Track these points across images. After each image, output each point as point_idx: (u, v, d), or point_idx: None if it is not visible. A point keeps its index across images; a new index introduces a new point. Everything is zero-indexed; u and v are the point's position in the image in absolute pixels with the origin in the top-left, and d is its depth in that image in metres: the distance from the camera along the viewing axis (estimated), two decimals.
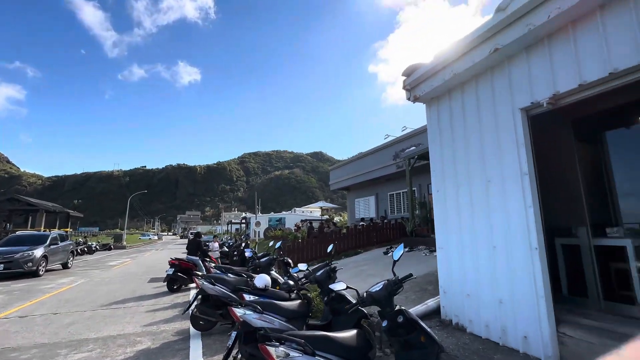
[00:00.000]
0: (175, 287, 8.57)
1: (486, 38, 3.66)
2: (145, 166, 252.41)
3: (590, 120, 4.07)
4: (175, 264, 8.60)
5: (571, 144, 4.06)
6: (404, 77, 4.90)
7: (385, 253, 9.88)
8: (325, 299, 3.87)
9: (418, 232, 10.70)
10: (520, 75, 3.59)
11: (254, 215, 30.10)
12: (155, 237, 63.22)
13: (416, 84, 4.78)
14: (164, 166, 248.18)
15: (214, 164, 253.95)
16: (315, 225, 19.44)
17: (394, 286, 2.70)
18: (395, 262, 2.86)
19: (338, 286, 3.26)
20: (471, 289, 3.95)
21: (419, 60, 4.71)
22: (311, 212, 45.79)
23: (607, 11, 2.87)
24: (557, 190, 4.16)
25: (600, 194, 4.07)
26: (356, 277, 7.70)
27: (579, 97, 3.19)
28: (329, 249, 4.44)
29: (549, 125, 4.28)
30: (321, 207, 25.93)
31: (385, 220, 13.62)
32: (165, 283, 8.63)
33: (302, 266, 4.64)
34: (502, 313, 3.56)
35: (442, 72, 4.32)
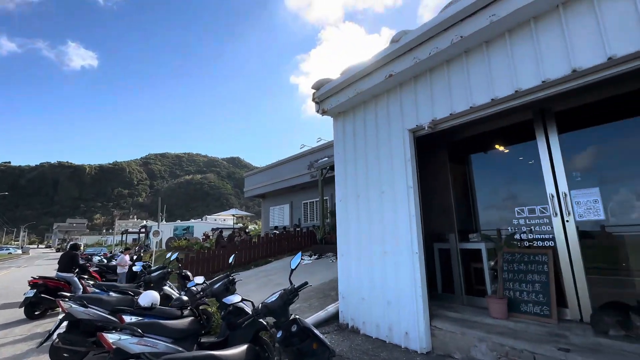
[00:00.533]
0: (37, 312, 6.94)
1: (384, 64, 4.08)
2: (9, 162, 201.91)
3: (461, 145, 4.90)
4: (38, 283, 6.98)
5: (446, 164, 4.81)
6: (314, 90, 5.09)
7: None
8: (222, 313, 3.64)
9: (328, 239, 11.14)
10: (409, 100, 4.09)
11: (157, 223, 26.95)
12: (19, 251, 50.47)
13: (324, 98, 5.01)
14: (37, 163, 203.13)
15: (110, 164, 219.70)
16: (227, 234, 18.48)
17: (289, 295, 2.69)
18: (292, 270, 2.86)
19: (233, 299, 3.10)
20: (366, 293, 4.25)
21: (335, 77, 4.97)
22: (224, 220, 43.51)
23: (471, 56, 3.52)
24: (436, 202, 4.85)
25: (467, 206, 4.90)
26: (265, 287, 7.53)
27: (451, 124, 3.80)
28: (230, 259, 4.21)
29: (432, 146, 5.00)
30: (234, 215, 24.82)
31: (298, 229, 13.82)
32: (22, 308, 6.91)
33: (199, 279, 4.29)
34: (389, 313, 3.91)
35: (347, 90, 4.64)
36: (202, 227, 32.57)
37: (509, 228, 4.02)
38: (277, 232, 14.19)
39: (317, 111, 5.17)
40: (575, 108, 3.61)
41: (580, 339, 2.86)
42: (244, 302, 3.45)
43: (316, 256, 10.05)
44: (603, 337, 2.80)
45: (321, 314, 4.57)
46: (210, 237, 19.38)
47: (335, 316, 4.73)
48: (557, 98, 3.54)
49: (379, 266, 4.14)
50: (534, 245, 3.73)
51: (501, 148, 4.47)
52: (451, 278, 4.50)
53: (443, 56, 3.63)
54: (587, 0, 2.72)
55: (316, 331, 2.65)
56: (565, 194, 3.44)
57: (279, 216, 19.71)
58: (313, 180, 15.19)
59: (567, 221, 3.39)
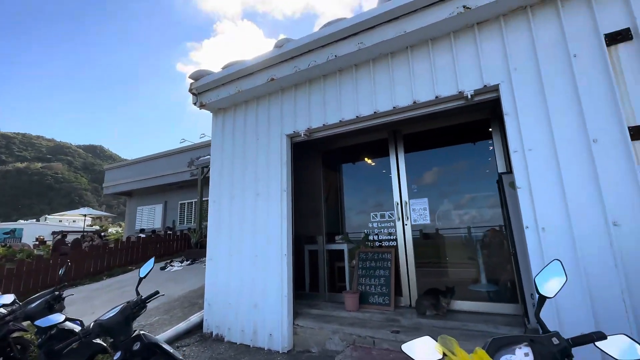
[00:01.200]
0: None
1: (266, 67, 4.09)
2: None
3: (334, 154, 5.39)
4: None
5: (320, 171, 5.19)
6: (192, 80, 4.68)
7: (163, 268, 8.87)
8: (40, 339, 2.86)
9: (203, 243, 10.38)
10: (289, 106, 4.23)
11: None
12: None
13: (204, 91, 4.67)
14: None
15: None
16: (76, 237, 14.92)
17: (134, 308, 2.31)
18: (140, 279, 2.48)
19: (53, 319, 2.47)
20: (234, 298, 4.11)
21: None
22: (74, 221, 35.24)
23: (344, 75, 3.90)
24: (309, 206, 5.15)
25: (336, 210, 5.39)
26: (114, 302, 6.38)
27: (325, 134, 4.10)
28: (61, 271, 3.37)
29: (309, 153, 5.30)
30: (86, 215, 20.36)
31: (170, 232, 12.40)
32: None
33: (7, 298, 3.25)
34: (255, 316, 3.89)
35: (229, 86, 4.45)
36: (37, 229, 25.43)
37: (365, 230, 4.62)
38: (144, 235, 12.36)
39: (195, 103, 4.76)
40: (418, 133, 4.47)
41: (408, 321, 3.50)
42: (71, 322, 2.80)
43: (189, 261, 9.21)
44: (423, 318, 3.51)
45: (182, 326, 4.16)
46: (48, 242, 15.30)
47: (199, 325, 4.39)
48: (406, 122, 4.28)
49: (249, 269, 4.08)
50: (383, 245, 4.40)
51: (366, 160, 5.13)
52: (317, 277, 4.83)
53: (320, 70, 3.91)
54: (424, 52, 3.40)
55: (166, 346, 2.36)
56: (406, 202, 4.19)
57: (149, 217, 17.26)
58: (193, 178, 13.98)
59: (406, 224, 4.14)
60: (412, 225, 4.14)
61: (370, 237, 4.50)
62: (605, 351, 1.33)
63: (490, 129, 3.95)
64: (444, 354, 1.26)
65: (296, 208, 4.32)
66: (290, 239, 3.93)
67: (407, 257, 4.06)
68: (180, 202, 16.23)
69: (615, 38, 2.58)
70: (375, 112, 3.58)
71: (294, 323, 3.77)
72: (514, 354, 1.36)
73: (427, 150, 4.54)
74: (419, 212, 4.13)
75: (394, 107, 3.47)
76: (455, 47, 3.24)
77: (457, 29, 3.25)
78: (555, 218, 2.58)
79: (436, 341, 1.28)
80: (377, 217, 4.52)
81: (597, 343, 1.35)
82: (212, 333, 4.17)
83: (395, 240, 4.26)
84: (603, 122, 2.52)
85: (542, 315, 2.46)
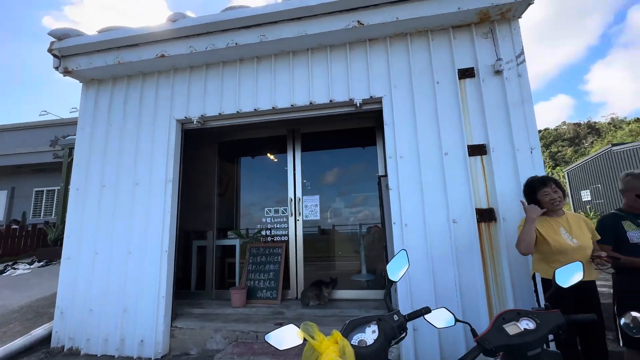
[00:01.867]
0: None
1: (157, 40, 3.63)
2: None
3: (233, 146, 5.18)
4: None
5: (215, 163, 4.92)
6: (53, 39, 3.79)
7: (1, 272, 6.93)
8: None
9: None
10: (181, 89, 3.85)
11: None
12: None
13: (71, 54, 3.83)
14: None
15: None
16: None
17: None
18: None
19: None
20: (96, 303, 3.51)
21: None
22: None
23: (245, 66, 3.77)
24: (201, 199, 4.81)
25: (232, 204, 5.19)
26: None
27: (221, 124, 3.88)
28: None
29: (204, 143, 4.95)
30: None
31: (17, 226, 9.80)
32: None
33: None
34: (125, 322, 3.41)
35: (107, 54, 3.77)
36: None
37: (259, 225, 4.60)
38: None
39: (57, 68, 3.87)
40: (315, 133, 4.69)
41: (292, 313, 3.63)
42: None
43: (42, 263, 7.46)
44: (306, 308, 3.69)
45: (17, 343, 3.32)
46: None
47: (46, 340, 3.59)
48: (304, 122, 4.43)
49: (119, 269, 3.54)
50: (275, 240, 4.45)
51: (264, 155, 5.10)
52: (204, 275, 4.56)
53: (220, 56, 3.69)
54: (323, 57, 3.58)
55: None
56: (299, 199, 4.35)
57: None
58: (56, 161, 11.39)
59: (298, 220, 4.29)
60: (303, 221, 4.32)
61: (263, 232, 4.50)
62: (430, 322, 1.65)
63: (375, 136, 4.44)
64: (305, 339, 1.34)
65: (185, 201, 3.98)
66: (174, 234, 3.59)
67: (297, 251, 4.22)
68: (36, 189, 13.00)
69: (464, 73, 3.24)
70: (274, 108, 3.58)
71: (171, 325, 3.45)
72: (364, 332, 1.55)
73: (322, 151, 4.81)
74: (311, 209, 4.34)
75: (291, 105, 3.54)
76: (349, 58, 3.51)
77: (353, 41, 3.53)
78: (416, 216, 3.07)
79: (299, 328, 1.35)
80: (271, 212, 4.55)
81: (425, 316, 1.67)
82: (63, 347, 3.47)
83: (287, 235, 4.37)
84: (452, 139, 3.13)
85: (400, 294, 2.85)
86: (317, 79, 3.55)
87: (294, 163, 4.44)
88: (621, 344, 2.28)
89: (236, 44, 3.49)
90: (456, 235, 2.95)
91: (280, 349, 1.32)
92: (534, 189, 2.43)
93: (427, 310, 1.62)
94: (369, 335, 1.51)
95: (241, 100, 3.69)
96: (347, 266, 4.68)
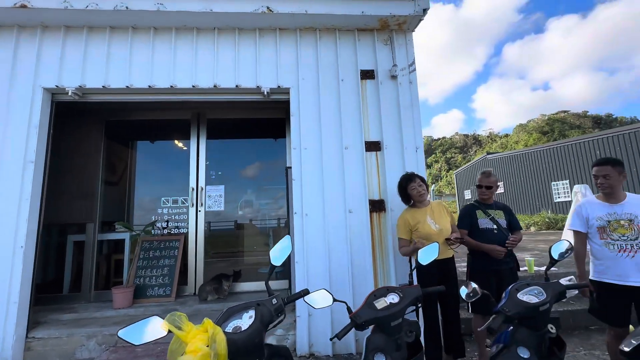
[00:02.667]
0: None
1: None
2: None
3: (126, 127, 4.54)
4: None
5: (100, 144, 4.24)
6: None
7: None
8: None
9: None
10: (53, 51, 3.19)
11: None
12: None
13: None
14: None
15: None
16: None
17: None
18: None
19: None
20: None
21: None
22: None
23: (138, 35, 3.32)
24: (80, 187, 4.10)
25: (123, 193, 4.56)
26: None
27: (108, 99, 3.35)
28: None
29: (86, 120, 4.22)
30: None
31: None
32: None
33: None
34: None
35: None
36: None
37: (154, 217, 4.15)
38: None
39: None
40: (223, 120, 4.45)
41: (187, 309, 3.39)
42: None
43: None
44: (204, 304, 3.49)
45: None
46: None
47: None
48: (211, 106, 4.17)
49: None
50: (172, 232, 4.09)
51: (164, 140, 4.62)
52: (81, 275, 3.91)
53: (106, 19, 3.17)
54: (231, 39, 3.41)
55: None
56: (202, 188, 4.08)
57: None
58: None
59: (200, 211, 4.02)
60: (206, 212, 4.06)
61: (159, 224, 4.08)
62: (309, 303, 1.71)
63: (285, 128, 4.44)
64: (169, 331, 1.24)
65: (58, 187, 3.33)
66: (35, 227, 2.96)
67: (198, 244, 3.95)
68: None
69: (366, 74, 3.48)
70: (172, 87, 3.26)
71: (28, 336, 2.85)
72: (241, 318, 1.52)
73: (231, 140, 4.60)
74: (215, 199, 4.11)
75: (193, 86, 3.27)
76: (259, 44, 3.42)
77: (263, 28, 3.45)
78: (316, 206, 3.18)
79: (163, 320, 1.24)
80: (169, 202, 4.15)
81: (305, 298, 1.73)
82: None
83: (187, 227, 4.06)
84: (353, 134, 3.33)
85: (298, 277, 2.88)
86: (224, 62, 3.36)
87: (198, 150, 4.13)
88: (470, 311, 2.77)
89: (127, 7, 3.05)
90: (351, 223, 3.16)
91: (137, 344, 1.20)
92: (404, 186, 2.78)
93: (306, 292, 1.68)
94: (245, 321, 1.49)
95: (133, 74, 3.25)
96: (259, 259, 4.60)
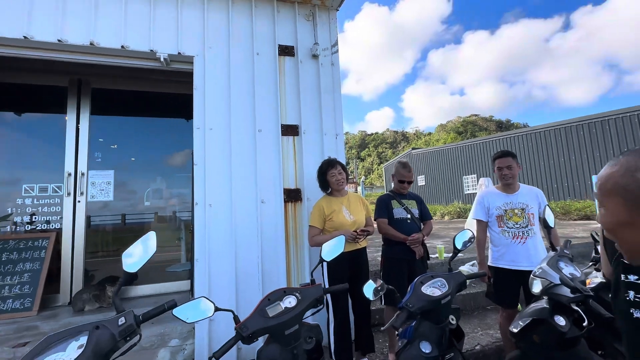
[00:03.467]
0: None
1: None
2: None
3: None
4: None
5: None
6: None
7: None
8: None
9: None
10: None
11: None
12: None
13: None
14: None
15: None
16: None
17: None
18: None
19: None
20: None
21: None
22: None
23: None
24: None
25: None
26: None
27: None
28: None
29: None
30: None
31: None
32: None
33: None
34: None
35: None
36: None
37: (10, 210, 3.23)
38: None
39: None
40: (114, 91, 3.65)
41: (54, 324, 2.69)
42: None
43: None
44: (79, 315, 2.82)
45: None
46: None
47: None
48: (95, 72, 3.39)
49: None
50: (37, 228, 3.24)
51: (33, 112, 3.63)
52: None
53: None
54: None
55: None
56: (83, 173, 3.31)
57: None
58: None
59: (79, 201, 3.26)
60: (87, 203, 3.30)
61: (18, 219, 3.19)
62: (180, 317, 1.34)
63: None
64: None
65: None
66: None
67: (75, 242, 3.19)
68: None
69: (285, 50, 3.15)
70: (26, 37, 2.47)
71: None
72: (65, 350, 1.09)
73: (127, 117, 3.83)
74: (101, 187, 3.37)
75: (59, 40, 2.54)
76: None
77: None
78: (222, 195, 2.77)
79: None
80: (34, 190, 3.27)
81: (173, 311, 1.35)
82: None
83: (60, 221, 3.25)
84: (267, 116, 2.99)
85: (197, 277, 2.43)
86: (105, 14, 2.68)
87: (78, 126, 3.32)
88: (382, 303, 2.71)
89: None
90: (263, 215, 2.84)
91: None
92: (324, 171, 2.58)
93: (172, 304, 1.31)
94: (70, 353, 1.07)
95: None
96: (166, 257, 3.97)
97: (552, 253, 2.12)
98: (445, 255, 4.66)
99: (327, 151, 3.08)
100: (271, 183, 2.90)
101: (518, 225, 2.56)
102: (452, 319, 1.81)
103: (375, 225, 2.73)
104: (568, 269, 1.98)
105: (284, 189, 2.94)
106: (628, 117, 12.23)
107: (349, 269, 2.42)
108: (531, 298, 2.59)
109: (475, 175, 17.63)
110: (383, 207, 2.78)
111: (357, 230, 2.41)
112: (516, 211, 2.59)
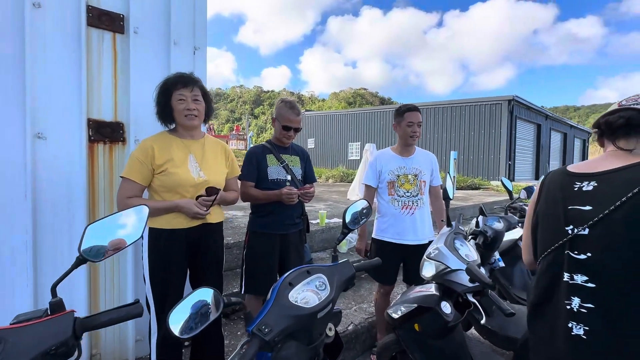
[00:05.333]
0: None
1: None
2: None
3: None
4: None
5: None
6: None
7: None
8: None
9: None
10: None
11: None
12: None
13: None
14: None
15: None
16: None
17: None
18: None
19: None
20: None
21: None
22: None
23: None
24: None
25: None
26: None
27: None
28: None
29: None
30: None
31: None
32: None
33: None
34: None
35: None
36: None
37: None
38: None
39: None
40: None
41: None
42: None
43: None
44: None
45: None
46: None
47: None
48: None
49: None
50: None
51: None
52: None
53: None
54: None
55: None
56: None
57: None
58: None
59: None
60: None
61: None
62: None
63: None
64: None
65: None
66: None
67: None
68: None
69: None
70: None
71: None
72: None
73: None
74: None
75: None
76: None
77: None
78: None
79: None
80: None
81: None
82: None
83: None
84: None
85: None
86: None
87: None
88: (242, 291, 2.01)
89: None
90: (41, 160, 1.62)
91: None
92: (168, 89, 1.55)
93: None
94: None
95: None
96: None
97: (446, 230, 1.82)
98: (327, 221, 4.32)
99: (178, 70, 1.99)
100: (61, 107, 1.66)
101: (409, 194, 2.21)
102: (330, 329, 1.24)
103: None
104: (464, 250, 1.68)
105: (90, 121, 1.74)
106: (477, 105, 14.82)
107: (186, 254, 1.56)
108: (410, 273, 2.39)
109: (359, 143, 18.78)
110: (253, 163, 1.97)
111: (202, 194, 1.51)
112: (409, 177, 2.22)
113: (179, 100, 1.52)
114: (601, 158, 0.98)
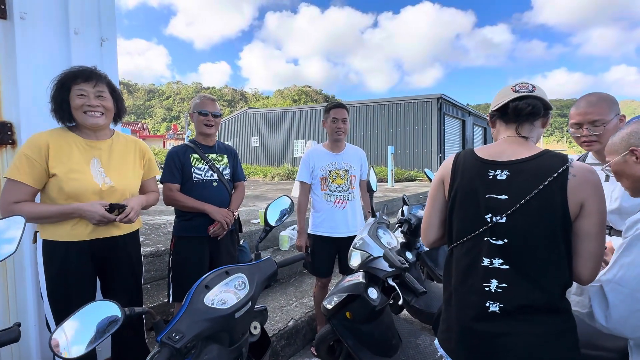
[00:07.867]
0: None
1: None
2: None
3: None
4: None
5: None
6: None
7: None
8: None
9: None
10: None
11: None
12: None
13: None
14: None
15: None
16: None
17: None
18: None
19: None
20: None
21: None
22: None
23: None
24: None
25: None
26: None
27: None
28: None
29: None
30: None
31: None
32: None
33: None
34: None
35: None
36: None
37: None
38: None
39: None
40: None
41: None
42: None
43: None
44: None
45: None
46: None
47: None
48: None
49: None
50: None
51: None
52: None
53: None
54: None
55: None
56: None
57: None
58: None
59: None
60: None
61: None
62: None
63: None
64: None
65: None
66: None
67: None
68: None
69: None
70: None
71: None
72: None
73: None
74: None
75: None
76: None
77: None
78: None
79: None
80: None
81: None
82: None
83: None
84: None
85: None
86: None
87: None
88: (171, 300, 1.89)
89: None
90: None
91: None
92: (66, 84, 1.37)
93: None
94: None
95: None
96: None
97: (371, 220, 1.93)
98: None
99: (79, 61, 1.78)
100: None
101: (340, 189, 2.30)
102: (256, 328, 1.23)
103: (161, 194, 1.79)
104: (386, 238, 1.79)
105: None
106: (411, 103, 15.91)
107: (93, 267, 1.41)
108: (344, 265, 2.48)
109: (304, 140, 18.88)
110: (175, 164, 1.86)
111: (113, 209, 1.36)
112: (340, 172, 2.31)
113: (79, 95, 1.36)
114: (505, 143, 1.02)
